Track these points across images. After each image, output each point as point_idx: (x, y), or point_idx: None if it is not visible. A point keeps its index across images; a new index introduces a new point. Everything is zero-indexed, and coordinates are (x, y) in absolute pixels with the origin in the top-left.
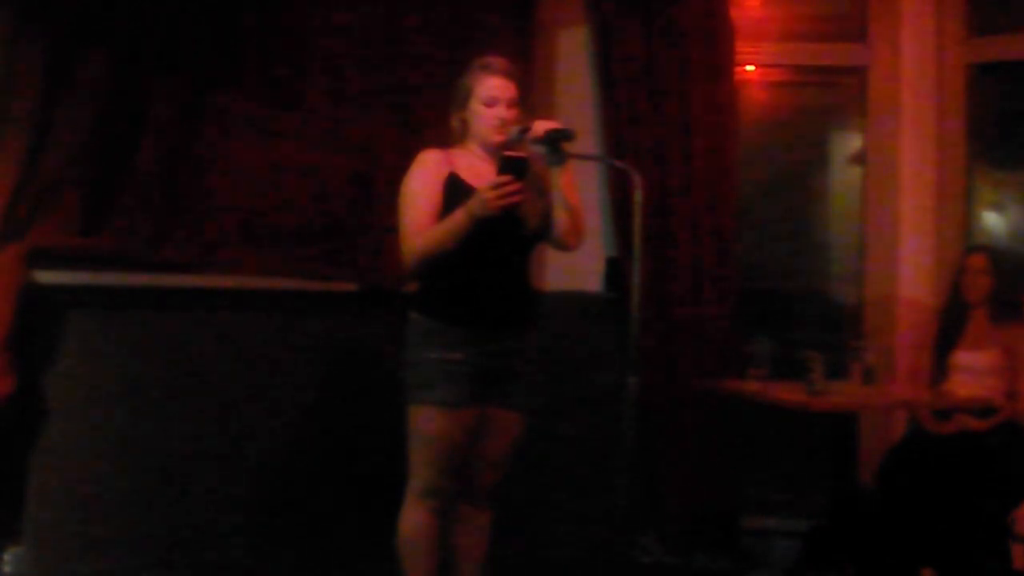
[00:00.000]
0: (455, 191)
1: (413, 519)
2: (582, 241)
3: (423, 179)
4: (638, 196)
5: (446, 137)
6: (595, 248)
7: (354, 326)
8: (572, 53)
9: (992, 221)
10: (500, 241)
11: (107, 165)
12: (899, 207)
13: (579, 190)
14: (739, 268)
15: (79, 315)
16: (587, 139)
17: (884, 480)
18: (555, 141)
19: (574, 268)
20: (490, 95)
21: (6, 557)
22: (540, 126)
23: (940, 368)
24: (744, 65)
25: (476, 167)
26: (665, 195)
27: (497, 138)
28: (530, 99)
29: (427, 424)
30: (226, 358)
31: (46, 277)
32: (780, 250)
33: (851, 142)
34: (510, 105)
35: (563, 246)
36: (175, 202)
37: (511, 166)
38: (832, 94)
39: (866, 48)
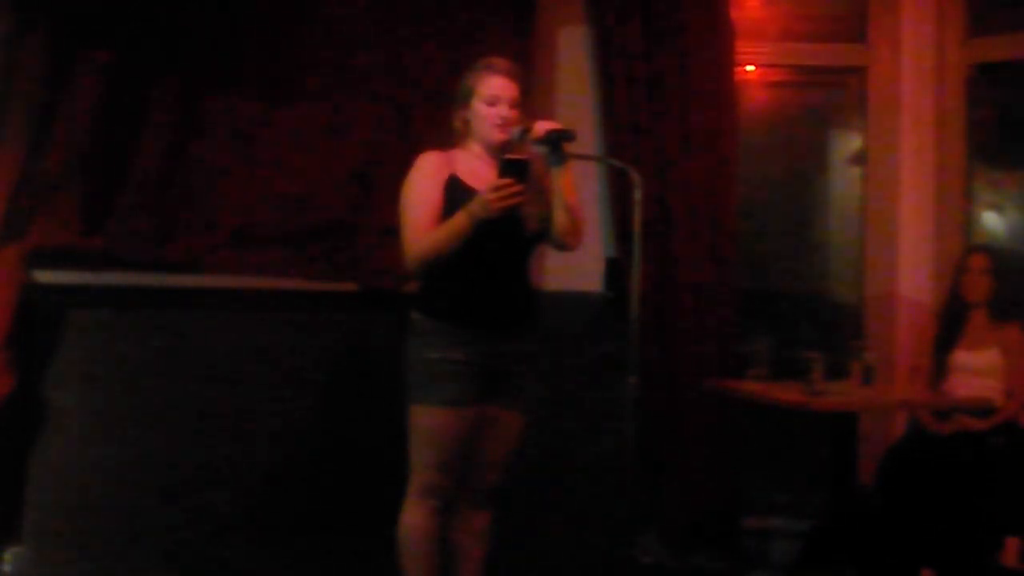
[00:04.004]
0: (456, 193)
1: (413, 518)
2: (581, 241)
3: (424, 181)
4: (638, 196)
5: (446, 138)
6: (595, 248)
7: (354, 326)
8: (572, 53)
9: (992, 221)
10: (501, 242)
11: (107, 165)
12: (899, 207)
13: (579, 190)
14: (739, 268)
15: (79, 315)
16: (587, 139)
17: (884, 480)
18: (556, 141)
19: (574, 268)
20: (492, 94)
21: (6, 557)
22: (541, 126)
23: (940, 368)
24: (744, 65)
25: (476, 168)
26: (665, 195)
27: (499, 137)
28: (530, 100)
29: (428, 423)
30: (226, 358)
31: (46, 277)
32: (780, 250)
33: (851, 142)
34: (512, 105)
35: (563, 246)
36: (175, 202)
37: (512, 169)
38: (832, 94)
39: (866, 48)
